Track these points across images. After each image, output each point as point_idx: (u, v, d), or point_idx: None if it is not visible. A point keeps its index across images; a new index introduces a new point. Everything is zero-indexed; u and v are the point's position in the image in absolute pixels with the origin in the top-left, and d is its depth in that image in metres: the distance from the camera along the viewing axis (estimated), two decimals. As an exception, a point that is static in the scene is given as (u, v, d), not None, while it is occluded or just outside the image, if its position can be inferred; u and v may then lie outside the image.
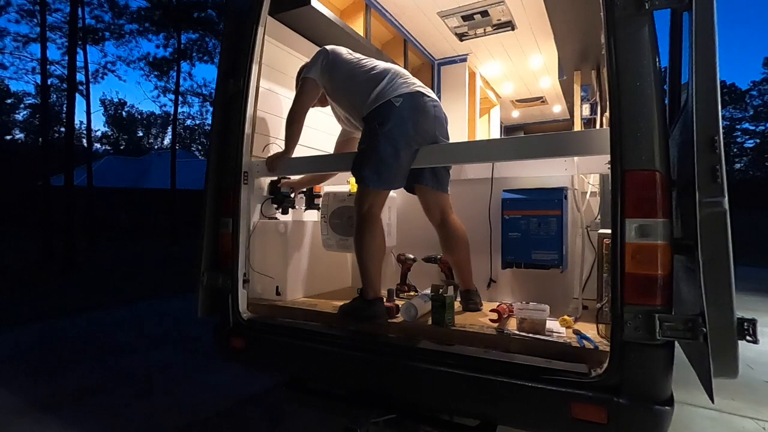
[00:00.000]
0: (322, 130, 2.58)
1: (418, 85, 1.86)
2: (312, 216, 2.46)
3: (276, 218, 2.25)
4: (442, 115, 1.90)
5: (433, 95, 1.91)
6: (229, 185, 1.91)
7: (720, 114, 1.09)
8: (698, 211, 1.09)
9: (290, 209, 2.29)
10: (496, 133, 4.79)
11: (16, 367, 3.32)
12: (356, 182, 1.81)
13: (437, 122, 1.85)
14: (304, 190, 2.39)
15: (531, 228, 1.87)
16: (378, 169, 1.74)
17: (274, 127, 2.33)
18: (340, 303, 1.88)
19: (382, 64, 1.92)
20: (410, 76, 1.92)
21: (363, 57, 1.99)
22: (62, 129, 18.04)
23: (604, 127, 1.45)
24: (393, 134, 1.72)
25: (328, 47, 1.99)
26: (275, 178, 2.17)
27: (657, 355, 1.16)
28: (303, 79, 1.96)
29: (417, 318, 1.72)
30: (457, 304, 1.86)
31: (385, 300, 1.93)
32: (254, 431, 2.42)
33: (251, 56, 1.91)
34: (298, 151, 2.07)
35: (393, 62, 2.94)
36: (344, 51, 2.00)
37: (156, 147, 38.95)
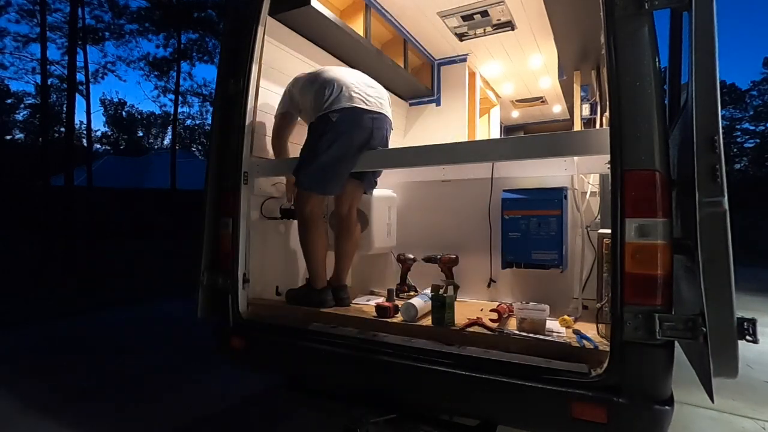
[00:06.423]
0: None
1: (360, 97, 1.93)
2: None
3: (276, 218, 2.25)
4: (382, 126, 1.98)
5: (377, 106, 1.97)
6: (229, 185, 1.92)
7: (720, 114, 1.09)
8: (698, 211, 1.09)
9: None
10: (496, 133, 4.77)
11: (15, 368, 3.32)
12: (295, 185, 1.97)
13: (373, 135, 1.93)
14: None
15: (531, 228, 1.87)
16: (314, 175, 1.89)
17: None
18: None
19: (330, 74, 2.00)
20: (360, 84, 1.97)
21: (319, 70, 2.07)
22: (62, 129, 18.07)
23: (604, 127, 1.45)
24: (330, 146, 1.86)
25: (294, 78, 2.14)
26: (286, 206, 2.20)
27: (657, 355, 1.17)
28: (276, 116, 2.15)
29: (417, 318, 1.72)
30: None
31: (385, 300, 1.94)
32: (254, 431, 2.42)
33: (251, 56, 1.91)
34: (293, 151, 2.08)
35: (392, 62, 2.93)
36: (304, 74, 2.11)
37: (156, 147, 38.90)
